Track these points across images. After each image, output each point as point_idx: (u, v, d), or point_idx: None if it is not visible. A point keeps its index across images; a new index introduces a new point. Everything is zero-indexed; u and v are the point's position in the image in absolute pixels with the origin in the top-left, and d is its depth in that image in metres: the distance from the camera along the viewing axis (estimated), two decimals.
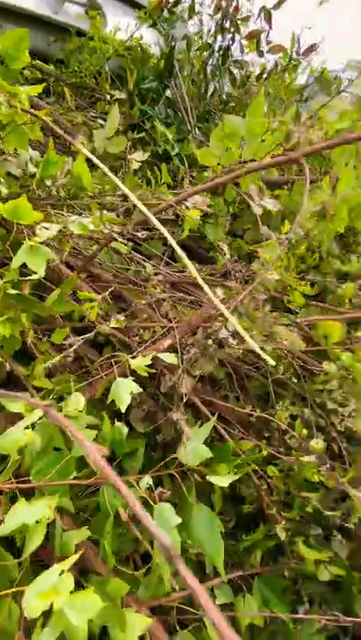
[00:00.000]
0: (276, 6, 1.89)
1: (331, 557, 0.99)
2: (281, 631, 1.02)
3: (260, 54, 2.04)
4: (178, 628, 0.94)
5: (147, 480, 0.79)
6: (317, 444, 1.05)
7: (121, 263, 1.44)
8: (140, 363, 0.93)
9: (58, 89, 2.13)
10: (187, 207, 1.08)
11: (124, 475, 1.00)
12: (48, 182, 1.01)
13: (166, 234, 0.68)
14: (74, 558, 0.39)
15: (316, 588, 1.09)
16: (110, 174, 0.76)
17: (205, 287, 0.64)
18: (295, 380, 1.19)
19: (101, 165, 0.76)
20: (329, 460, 1.07)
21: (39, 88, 0.93)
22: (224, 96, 2.07)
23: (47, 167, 0.86)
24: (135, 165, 1.54)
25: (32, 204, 0.84)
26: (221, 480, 0.75)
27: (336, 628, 1.08)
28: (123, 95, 1.89)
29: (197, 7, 1.95)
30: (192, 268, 0.65)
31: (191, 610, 0.95)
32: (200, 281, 0.64)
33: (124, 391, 0.85)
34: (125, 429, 0.80)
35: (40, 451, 0.79)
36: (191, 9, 1.95)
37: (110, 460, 0.90)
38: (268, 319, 0.88)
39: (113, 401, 0.85)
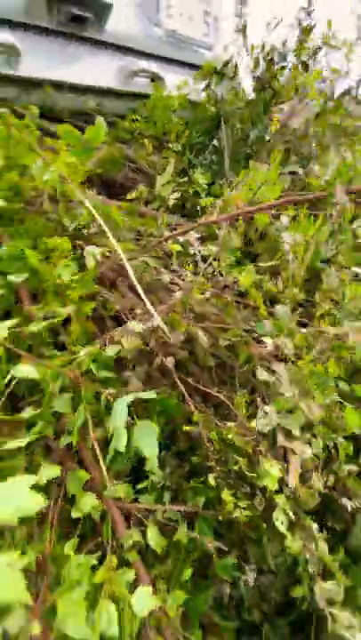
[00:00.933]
0: (312, 56, 2.18)
1: (248, 505, 1.31)
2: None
3: (300, 100, 2.33)
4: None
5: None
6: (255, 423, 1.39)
7: None
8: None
9: (137, 139, 2.82)
10: (176, 242, 1.55)
11: None
12: None
13: None
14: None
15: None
16: (116, 243, 1.28)
17: (144, 298, 1.11)
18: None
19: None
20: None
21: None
22: (267, 138, 2.42)
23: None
24: (171, 202, 2.07)
25: None
26: None
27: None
28: (178, 147, 2.43)
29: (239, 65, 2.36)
30: (138, 288, 1.12)
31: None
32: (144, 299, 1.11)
33: None
34: None
35: None
36: (235, 68, 2.37)
37: None
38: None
39: None
